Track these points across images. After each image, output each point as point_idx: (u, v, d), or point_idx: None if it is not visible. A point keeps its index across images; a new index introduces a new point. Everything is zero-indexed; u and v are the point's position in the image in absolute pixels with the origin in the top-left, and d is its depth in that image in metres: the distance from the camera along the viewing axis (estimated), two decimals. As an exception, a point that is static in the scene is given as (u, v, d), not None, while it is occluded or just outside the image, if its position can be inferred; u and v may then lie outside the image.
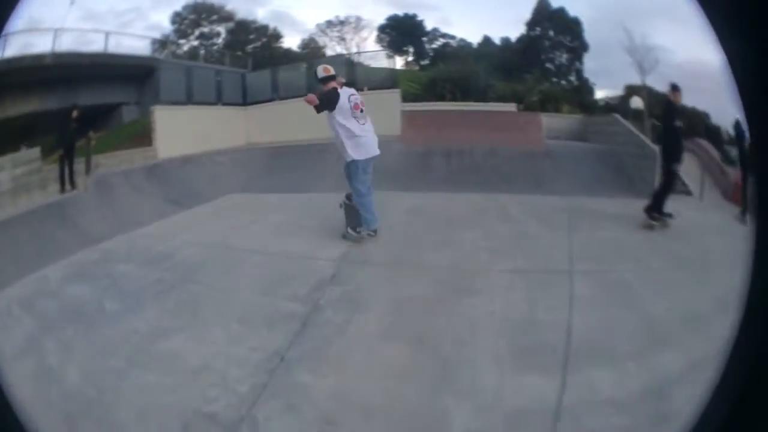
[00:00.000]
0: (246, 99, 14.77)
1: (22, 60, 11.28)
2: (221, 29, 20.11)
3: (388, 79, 12.77)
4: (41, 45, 11.85)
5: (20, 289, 5.27)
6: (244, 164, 11.71)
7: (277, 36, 20.69)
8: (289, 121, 11.00)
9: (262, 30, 20.72)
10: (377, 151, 5.79)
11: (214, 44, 19.83)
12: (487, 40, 15.02)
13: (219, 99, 14.09)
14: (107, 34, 13.63)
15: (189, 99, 13.03)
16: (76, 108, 9.18)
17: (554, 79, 14.14)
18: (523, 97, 11.96)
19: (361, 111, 5.68)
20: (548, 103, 12.00)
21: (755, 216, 0.94)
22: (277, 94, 14.34)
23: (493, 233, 5.92)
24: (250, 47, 20.31)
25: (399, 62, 14.10)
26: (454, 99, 11.97)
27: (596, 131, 10.84)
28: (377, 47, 16.27)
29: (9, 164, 8.52)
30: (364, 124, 5.68)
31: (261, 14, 23.01)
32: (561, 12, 13.51)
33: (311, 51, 19.23)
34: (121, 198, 9.30)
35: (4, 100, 10.85)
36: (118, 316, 4.60)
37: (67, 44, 12.65)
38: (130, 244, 6.76)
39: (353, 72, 13.42)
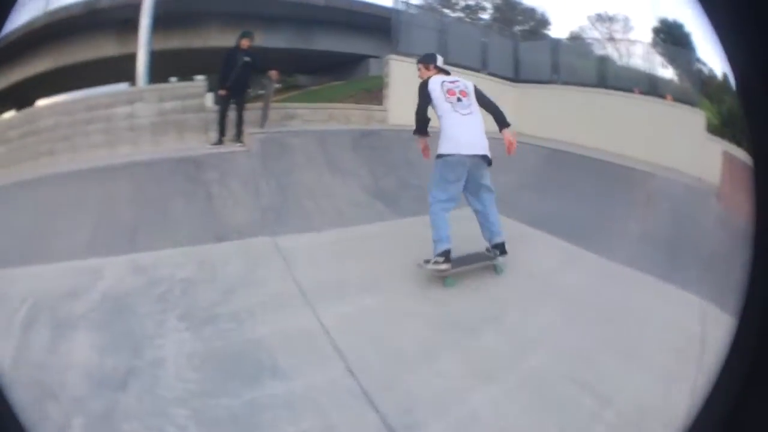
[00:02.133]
0: (518, 74, 11.15)
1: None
2: (488, 4, 18.51)
3: (687, 92, 9.19)
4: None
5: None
6: (500, 160, 7.18)
7: (544, 22, 17.83)
8: (572, 115, 8.72)
9: (529, 12, 18.25)
10: (473, 151, 3.79)
11: (480, 19, 18.07)
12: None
13: (484, 66, 10.42)
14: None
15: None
16: (246, 36, 6.31)
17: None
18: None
19: (459, 99, 3.96)
20: None
21: (755, 216, 0.95)
22: (558, 75, 10.97)
23: None
24: (517, 28, 17.83)
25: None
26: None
27: None
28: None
29: (154, 96, 6.68)
30: (466, 114, 3.91)
31: (528, -1, 21.79)
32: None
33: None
34: (299, 171, 5.63)
35: (206, 28, 9.29)
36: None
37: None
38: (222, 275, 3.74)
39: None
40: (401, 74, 8.74)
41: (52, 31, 9.26)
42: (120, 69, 8.63)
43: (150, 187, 5.11)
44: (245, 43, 6.16)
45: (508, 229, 4.96)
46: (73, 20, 9.14)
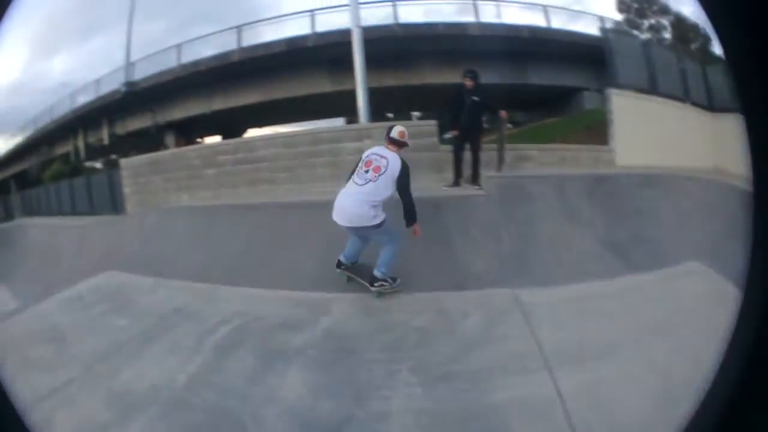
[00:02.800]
0: (713, 102, 9.82)
1: (436, 27, 10.13)
2: (665, 22, 17.52)
3: None
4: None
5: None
6: (714, 206, 6.34)
7: (705, 37, 16.36)
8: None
9: (695, 29, 16.77)
10: (338, 220, 4.09)
11: (663, 38, 17.49)
12: None
13: (687, 95, 9.54)
14: (545, 9, 12.21)
15: (653, 87, 9.01)
16: (468, 76, 6.10)
17: None
18: None
19: (366, 171, 4.08)
20: None
21: (754, 216, 0.93)
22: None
23: None
24: (693, 46, 16.54)
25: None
26: None
27: None
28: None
29: (382, 133, 6.62)
30: (357, 184, 4.06)
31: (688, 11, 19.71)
32: None
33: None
34: (538, 219, 5.31)
35: (417, 65, 9.70)
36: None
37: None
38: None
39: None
40: (624, 109, 8.20)
41: (254, 66, 10.14)
42: (332, 104, 9.22)
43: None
44: (469, 82, 6.04)
45: (707, 284, 4.36)
46: (278, 57, 9.99)
